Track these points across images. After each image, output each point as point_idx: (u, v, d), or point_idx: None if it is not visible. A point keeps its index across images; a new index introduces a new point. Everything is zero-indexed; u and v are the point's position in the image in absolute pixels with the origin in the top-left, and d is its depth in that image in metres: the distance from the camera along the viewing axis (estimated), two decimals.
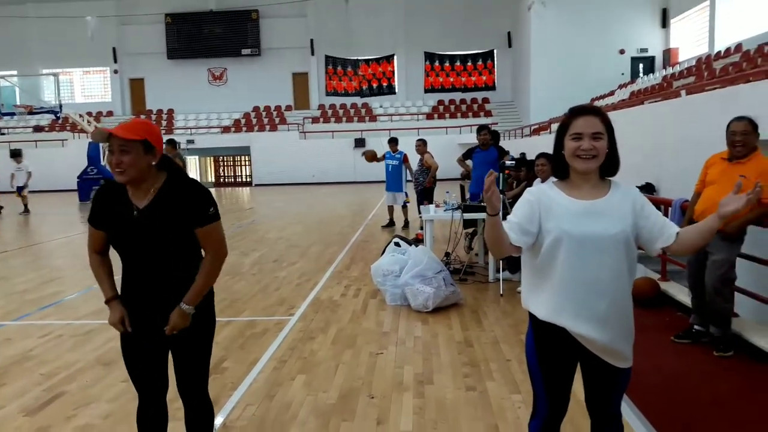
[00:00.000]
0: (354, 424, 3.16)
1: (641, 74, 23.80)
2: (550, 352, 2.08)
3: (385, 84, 28.21)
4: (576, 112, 2.01)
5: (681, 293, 5.27)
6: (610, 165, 2.02)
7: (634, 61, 25.50)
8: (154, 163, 2.19)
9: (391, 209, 11.19)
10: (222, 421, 3.22)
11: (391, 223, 11.10)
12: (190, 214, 2.20)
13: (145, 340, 2.30)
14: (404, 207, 11.00)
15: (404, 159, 10.77)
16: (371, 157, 10.53)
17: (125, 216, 2.20)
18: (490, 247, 2.09)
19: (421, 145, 9.98)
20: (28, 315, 5.64)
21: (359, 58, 28.73)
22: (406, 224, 11.04)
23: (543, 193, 2.06)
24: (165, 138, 8.65)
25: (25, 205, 16.13)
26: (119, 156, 2.11)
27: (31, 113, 27.08)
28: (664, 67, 22.92)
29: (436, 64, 28.24)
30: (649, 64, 25.09)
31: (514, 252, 2.05)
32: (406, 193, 10.89)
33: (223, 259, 2.32)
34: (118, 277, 2.31)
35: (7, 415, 3.37)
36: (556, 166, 2.06)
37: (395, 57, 29.47)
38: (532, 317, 2.11)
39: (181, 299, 2.26)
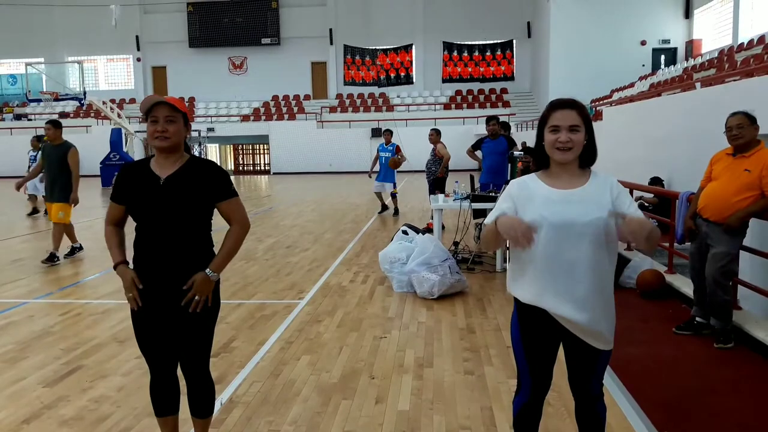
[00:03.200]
0: (354, 402, 3.30)
1: (662, 66, 23.40)
2: (533, 333, 2.18)
3: (402, 74, 28.17)
4: (555, 105, 2.09)
5: (686, 285, 5.29)
6: (588, 155, 2.10)
7: (656, 52, 25.06)
8: (187, 136, 2.43)
9: (380, 195, 11.74)
10: (229, 396, 3.37)
11: (384, 208, 11.64)
12: (212, 187, 2.39)
13: (155, 316, 2.41)
14: (394, 197, 11.46)
15: (396, 150, 11.21)
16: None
17: (150, 186, 2.36)
18: (484, 243, 2.21)
19: (434, 135, 10.04)
20: (50, 294, 5.89)
21: (377, 47, 28.72)
22: (396, 213, 11.49)
23: (524, 185, 2.16)
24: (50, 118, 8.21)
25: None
26: (165, 125, 2.31)
27: (56, 100, 27.68)
28: (687, 59, 22.52)
29: (455, 53, 28.11)
30: (671, 56, 24.65)
31: (503, 245, 2.16)
32: (394, 183, 11.31)
33: (247, 230, 2.50)
34: (128, 258, 2.46)
35: (28, 385, 3.58)
36: (538, 156, 2.16)
37: (413, 47, 29.39)
38: (517, 301, 2.21)
39: (190, 275, 2.37)
